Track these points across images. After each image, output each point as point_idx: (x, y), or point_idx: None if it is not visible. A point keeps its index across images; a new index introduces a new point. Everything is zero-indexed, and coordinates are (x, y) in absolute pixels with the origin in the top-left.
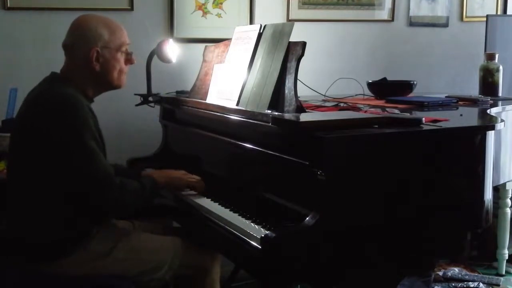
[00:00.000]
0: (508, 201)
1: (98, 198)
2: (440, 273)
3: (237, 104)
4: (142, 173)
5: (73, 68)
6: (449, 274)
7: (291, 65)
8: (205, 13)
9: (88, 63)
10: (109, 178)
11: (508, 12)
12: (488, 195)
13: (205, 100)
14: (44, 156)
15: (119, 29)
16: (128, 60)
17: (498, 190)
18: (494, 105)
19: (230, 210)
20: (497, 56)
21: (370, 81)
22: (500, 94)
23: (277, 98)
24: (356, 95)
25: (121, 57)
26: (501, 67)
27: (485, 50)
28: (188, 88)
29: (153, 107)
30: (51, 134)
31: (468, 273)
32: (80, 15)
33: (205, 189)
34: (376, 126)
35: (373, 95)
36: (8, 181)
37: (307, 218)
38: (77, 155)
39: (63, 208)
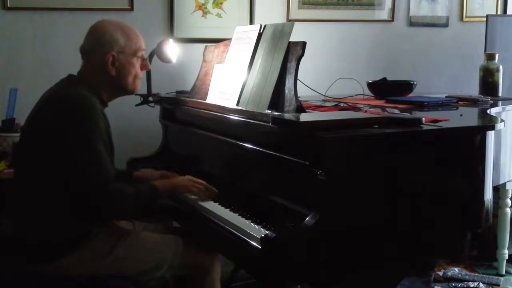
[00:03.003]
0: (508, 201)
1: (93, 199)
2: (440, 273)
3: (237, 104)
4: (135, 174)
5: (90, 71)
6: (449, 274)
7: (291, 65)
8: (205, 13)
9: (104, 67)
10: (106, 182)
11: (508, 12)
12: (488, 195)
13: (205, 100)
14: (50, 156)
15: (135, 35)
16: (144, 66)
17: (498, 190)
18: (494, 105)
19: (230, 210)
20: (497, 56)
21: (370, 81)
22: (500, 94)
23: (277, 98)
24: (356, 95)
25: (136, 62)
26: (501, 67)
27: (485, 50)
28: (188, 88)
29: (153, 107)
30: (61, 134)
31: (468, 273)
32: (98, 21)
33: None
34: (376, 126)
35: (373, 95)
36: (14, 180)
37: (307, 218)
38: (81, 155)
39: (64, 208)
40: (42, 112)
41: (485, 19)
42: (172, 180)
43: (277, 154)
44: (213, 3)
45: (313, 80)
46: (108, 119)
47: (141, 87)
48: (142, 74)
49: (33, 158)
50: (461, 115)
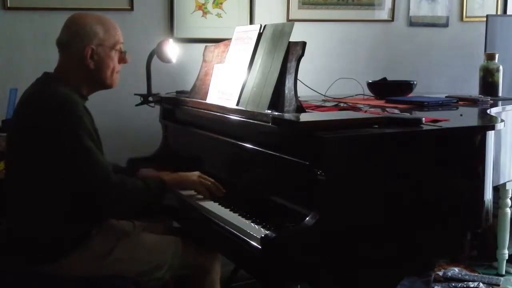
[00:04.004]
0: (508, 201)
1: (98, 196)
2: (440, 273)
3: (237, 104)
4: (141, 171)
5: (68, 66)
6: (449, 274)
7: (291, 65)
8: (205, 13)
9: (82, 60)
10: (107, 177)
11: (508, 12)
12: (488, 195)
13: (205, 100)
14: (42, 157)
15: (114, 28)
16: (122, 59)
17: (498, 190)
18: (494, 105)
19: (230, 210)
20: (497, 56)
21: (370, 81)
22: (500, 94)
23: (277, 98)
24: (356, 95)
25: (115, 56)
26: (501, 67)
27: (485, 50)
28: (188, 88)
29: (153, 107)
30: (48, 135)
31: (468, 273)
32: (75, 13)
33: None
34: (376, 126)
35: (373, 95)
36: (6, 182)
37: (307, 218)
38: (74, 155)
39: (63, 208)
40: (25, 114)
41: (485, 19)
42: (181, 174)
43: (277, 154)
44: (213, 3)
45: (313, 80)
46: (91, 113)
47: (141, 87)
48: (120, 68)
49: (24, 161)
50: (461, 115)
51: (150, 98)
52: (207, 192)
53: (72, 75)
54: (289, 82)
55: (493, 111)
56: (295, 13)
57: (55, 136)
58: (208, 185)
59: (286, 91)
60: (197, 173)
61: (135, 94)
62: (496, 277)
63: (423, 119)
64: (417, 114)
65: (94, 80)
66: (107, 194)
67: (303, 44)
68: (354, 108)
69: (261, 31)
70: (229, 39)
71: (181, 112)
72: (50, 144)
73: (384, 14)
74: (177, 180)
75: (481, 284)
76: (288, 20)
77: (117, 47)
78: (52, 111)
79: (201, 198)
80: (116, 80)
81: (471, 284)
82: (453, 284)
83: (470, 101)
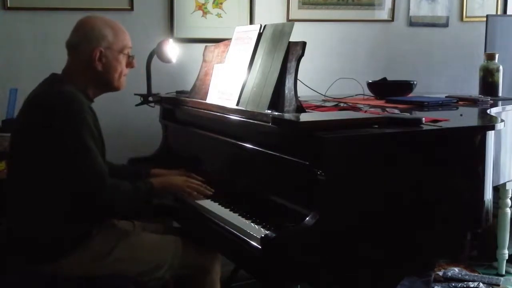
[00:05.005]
0: (508, 201)
1: (89, 196)
2: (440, 273)
3: (237, 104)
4: (153, 171)
5: (75, 67)
6: (449, 274)
7: (291, 65)
8: (205, 13)
9: (90, 62)
10: (101, 178)
11: (508, 12)
12: (488, 195)
13: (205, 100)
14: (43, 155)
15: (122, 32)
16: (129, 63)
17: (498, 190)
18: (494, 105)
19: (230, 210)
20: (497, 56)
21: (370, 81)
22: (500, 94)
23: (277, 98)
24: (356, 95)
25: (123, 59)
26: (501, 67)
27: (485, 50)
28: (188, 88)
29: (153, 107)
30: (50, 132)
31: (468, 273)
32: (86, 16)
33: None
34: (376, 126)
35: (373, 95)
36: (6, 182)
37: (307, 218)
38: (76, 155)
39: (63, 208)
40: (30, 113)
41: (485, 19)
42: (167, 178)
43: (277, 154)
44: (213, 3)
45: (313, 80)
46: (96, 114)
47: (141, 87)
48: (127, 72)
49: (27, 159)
50: (461, 115)
51: (150, 98)
52: (195, 193)
53: (80, 76)
54: (289, 82)
55: (493, 111)
56: (295, 13)
57: (58, 134)
58: (194, 187)
59: (286, 91)
60: (183, 177)
61: (135, 94)
62: (496, 277)
63: (423, 119)
64: (417, 114)
65: (101, 82)
66: (100, 194)
67: (303, 44)
68: (354, 108)
69: (261, 31)
70: (229, 39)
71: (181, 112)
72: (52, 142)
73: (384, 14)
74: (164, 184)
75: (481, 284)
76: (288, 20)
77: (125, 51)
78: (56, 110)
79: (201, 197)
80: (123, 83)
81: (471, 284)
82: (453, 284)
83: (470, 101)
